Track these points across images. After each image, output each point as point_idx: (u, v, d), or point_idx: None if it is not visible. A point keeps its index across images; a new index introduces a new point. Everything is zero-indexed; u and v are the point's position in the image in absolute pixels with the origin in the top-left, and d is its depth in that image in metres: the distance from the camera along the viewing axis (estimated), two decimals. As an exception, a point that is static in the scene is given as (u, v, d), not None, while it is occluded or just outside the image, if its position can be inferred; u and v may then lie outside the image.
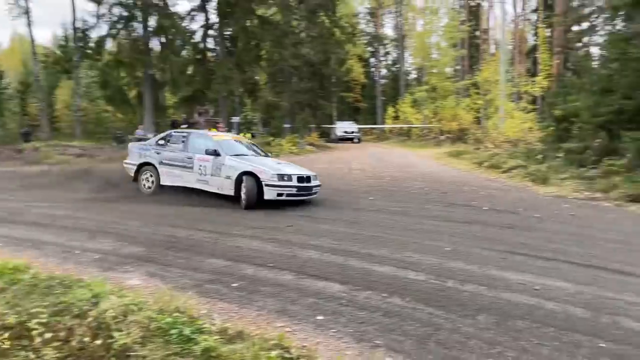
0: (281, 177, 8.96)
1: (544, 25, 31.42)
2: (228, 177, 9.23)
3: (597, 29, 28.07)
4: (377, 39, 47.43)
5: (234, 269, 5.04)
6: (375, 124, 43.33)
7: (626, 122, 13.19)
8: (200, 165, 9.68)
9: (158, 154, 10.42)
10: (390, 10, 47.55)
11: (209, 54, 27.19)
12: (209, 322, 3.59)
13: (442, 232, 7.02)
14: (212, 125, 26.67)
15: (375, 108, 44.75)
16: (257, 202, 8.78)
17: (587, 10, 28.13)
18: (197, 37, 26.20)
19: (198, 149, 9.95)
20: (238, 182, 9.07)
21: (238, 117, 27.62)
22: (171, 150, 10.31)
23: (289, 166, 9.98)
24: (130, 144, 11.68)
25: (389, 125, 39.68)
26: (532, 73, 32.15)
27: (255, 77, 27.85)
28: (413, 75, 46.33)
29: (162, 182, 10.19)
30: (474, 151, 21.07)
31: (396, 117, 38.64)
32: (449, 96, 34.38)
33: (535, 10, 39.09)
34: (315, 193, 9.62)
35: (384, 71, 49.72)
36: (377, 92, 45.30)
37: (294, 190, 9.09)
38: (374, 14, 47.67)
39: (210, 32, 26.35)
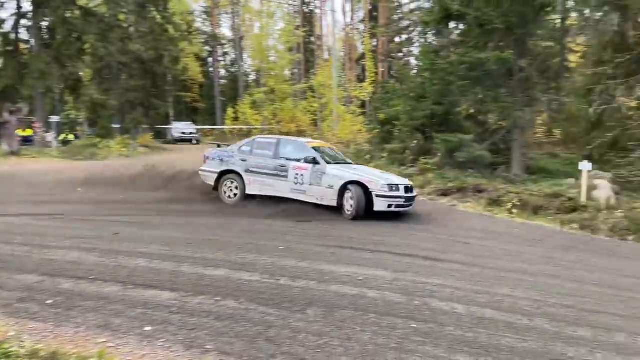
0: (391, 187, 8.57)
1: (370, 36, 34.00)
2: (330, 187, 8.76)
3: (413, 41, 31.28)
4: (214, 39, 46.73)
5: (48, 284, 4.54)
6: (214, 124, 42.66)
7: (437, 125, 14.96)
8: (297, 174, 9.14)
9: (244, 161, 9.78)
10: (226, 11, 47.22)
11: (22, 46, 24.14)
12: (17, 344, 3.20)
13: (276, 231, 7.19)
14: (27, 125, 23.77)
15: (215, 109, 44.02)
16: (365, 214, 8.32)
17: (405, 24, 31.16)
18: (7, 26, 23.09)
19: (291, 157, 9.46)
20: (341, 192, 8.63)
21: (58, 117, 25.03)
22: (259, 158, 9.68)
23: (392, 175, 9.61)
24: (207, 151, 10.76)
25: (228, 126, 39.45)
26: (362, 79, 34.59)
27: (78, 73, 25.45)
28: (252, 77, 46.68)
29: (249, 192, 9.63)
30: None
31: (236, 118, 38.52)
32: (287, 99, 35.35)
33: (362, 21, 42.13)
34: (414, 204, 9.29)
35: (222, 71, 49.21)
36: (216, 93, 44.61)
37: (402, 201, 8.68)
38: (210, 13, 46.87)
39: (24, 21, 23.42)
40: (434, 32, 19.03)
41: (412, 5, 33.10)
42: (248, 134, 36.74)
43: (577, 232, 8.62)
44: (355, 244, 6.45)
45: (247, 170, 9.70)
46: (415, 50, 30.88)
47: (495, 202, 10.32)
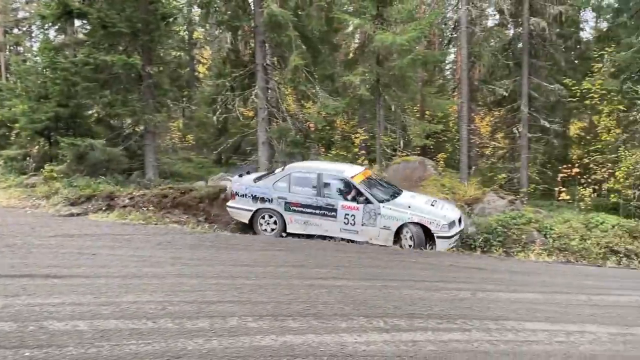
0: (451, 224, 8.39)
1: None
2: (386, 228, 8.56)
3: (33, 35, 28.12)
4: None
5: None
6: None
7: (63, 129, 13.80)
8: (347, 214, 8.82)
9: (281, 199, 9.17)
10: None
11: None
12: None
13: None
14: None
15: None
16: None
17: (22, 15, 27.67)
18: None
19: (338, 194, 9.03)
20: (397, 231, 8.49)
21: None
22: (300, 196, 9.11)
23: (443, 204, 9.14)
24: (234, 185, 9.85)
25: None
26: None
27: None
28: None
29: (291, 230, 9.16)
30: None
31: None
32: None
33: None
34: None
35: None
36: None
37: (458, 237, 8.57)
38: None
39: None
40: (57, 28, 17.44)
41: (32, -5, 29.44)
42: None
43: (207, 231, 9.20)
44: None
45: (287, 209, 9.18)
46: (36, 45, 27.55)
47: (125, 208, 10.26)
